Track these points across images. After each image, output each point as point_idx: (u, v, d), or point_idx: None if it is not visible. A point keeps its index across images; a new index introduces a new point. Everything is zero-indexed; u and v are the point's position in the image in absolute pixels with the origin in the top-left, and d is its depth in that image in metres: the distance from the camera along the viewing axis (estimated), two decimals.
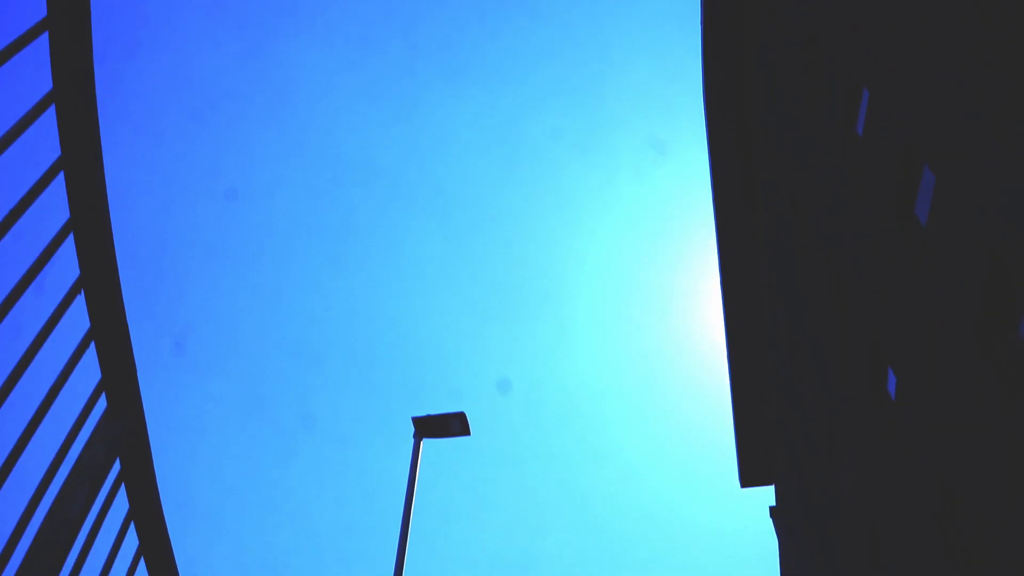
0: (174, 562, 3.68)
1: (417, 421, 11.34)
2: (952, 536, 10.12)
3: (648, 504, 78.30)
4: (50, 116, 3.53)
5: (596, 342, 70.69)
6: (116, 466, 3.52)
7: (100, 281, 3.25)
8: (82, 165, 3.11)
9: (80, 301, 3.77)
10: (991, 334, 8.37)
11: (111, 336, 3.26)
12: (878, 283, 11.58)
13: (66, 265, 3.72)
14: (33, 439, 3.49)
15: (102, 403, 3.69)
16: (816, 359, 16.60)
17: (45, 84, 3.20)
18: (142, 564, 3.67)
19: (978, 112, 7.82)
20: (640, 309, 70.43)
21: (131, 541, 3.64)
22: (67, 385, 3.51)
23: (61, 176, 3.63)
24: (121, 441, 3.33)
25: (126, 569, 3.65)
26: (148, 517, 3.51)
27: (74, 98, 3.04)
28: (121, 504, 3.60)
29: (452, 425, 10.67)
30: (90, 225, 3.17)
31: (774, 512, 25.21)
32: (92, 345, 3.42)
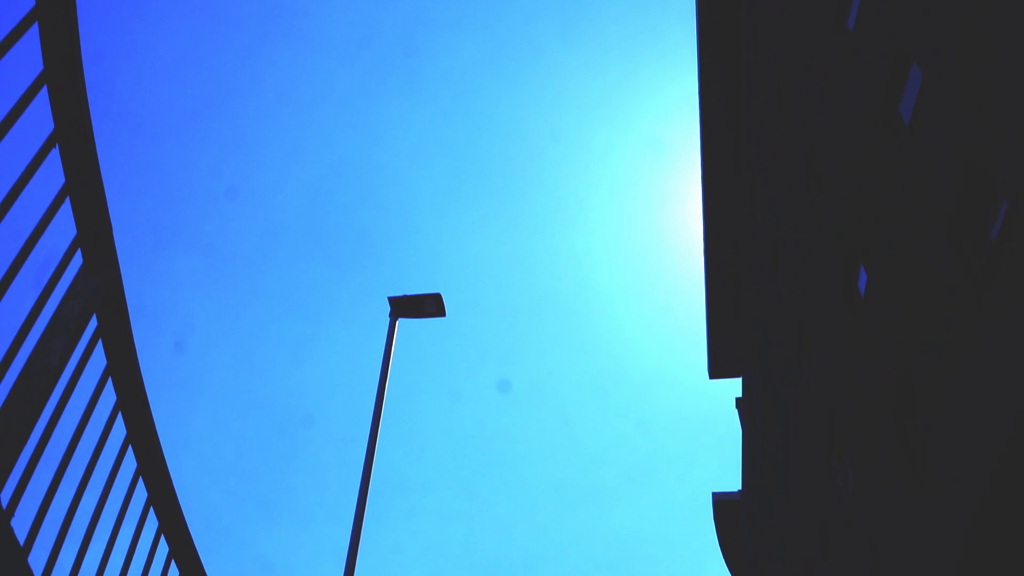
0: (151, 417, 3.76)
1: (393, 301, 11.42)
2: (910, 430, 10.46)
3: (621, 396, 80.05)
4: None
5: (585, 234, 70.80)
6: (93, 322, 3.56)
7: (75, 136, 3.21)
8: (57, 13, 3.04)
9: (55, 156, 3.73)
10: (964, 235, 8.47)
11: (86, 192, 3.24)
12: (857, 182, 11.62)
13: (41, 120, 3.66)
14: (9, 295, 3.50)
15: (78, 260, 3.70)
16: (791, 256, 16.78)
17: None
18: (120, 419, 3.75)
19: (971, 12, 7.71)
20: (627, 205, 70.35)
21: (108, 396, 3.71)
22: (43, 241, 3.51)
23: (35, 28, 3.54)
24: (98, 297, 3.35)
25: (104, 423, 3.73)
26: (125, 373, 3.56)
27: None
28: (99, 360, 3.65)
29: (427, 305, 10.75)
30: (64, 78, 3.11)
31: (740, 403, 25.89)
32: (67, 201, 3.41)
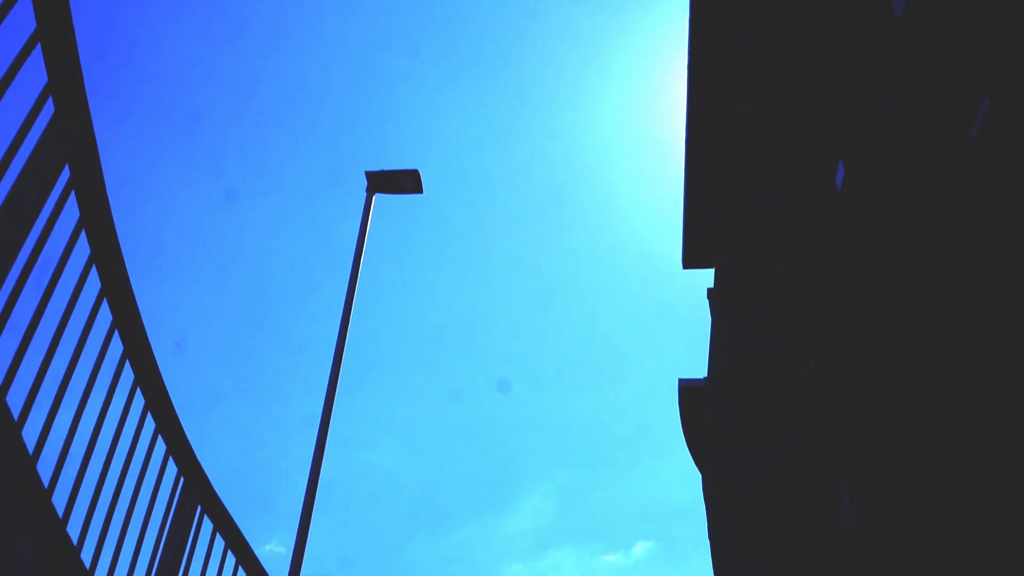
0: (125, 270, 3.77)
1: (370, 175, 11.33)
2: (875, 334, 10.70)
3: (595, 280, 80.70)
4: None
5: (564, 115, 69.96)
6: (66, 173, 3.53)
7: None
8: None
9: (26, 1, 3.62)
10: (944, 131, 8.49)
11: (57, 37, 3.16)
12: (844, 75, 11.52)
13: None
14: None
15: (49, 110, 3.64)
16: (772, 149, 16.73)
17: None
18: (94, 271, 3.77)
19: None
20: (611, 88, 69.29)
21: (82, 249, 3.71)
22: (13, 90, 3.45)
23: None
24: (70, 147, 3.31)
25: (78, 275, 3.75)
26: (99, 225, 3.56)
27: None
28: (71, 212, 3.64)
29: (404, 181, 10.69)
30: None
31: (711, 294, 26.24)
32: (38, 48, 3.32)
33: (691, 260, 24.98)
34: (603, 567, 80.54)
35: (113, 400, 4.08)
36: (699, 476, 33.73)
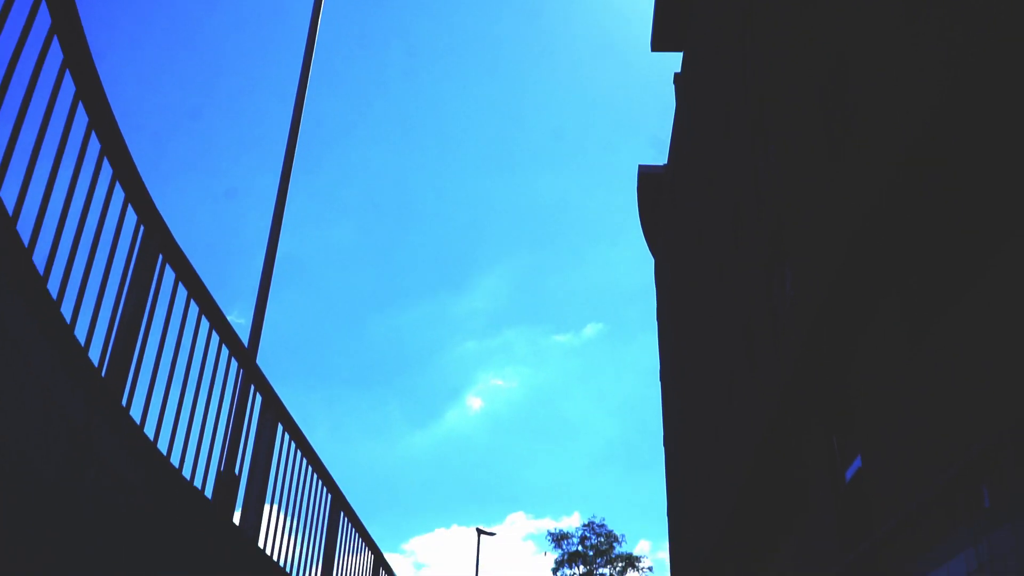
0: (75, 8, 3.69)
1: None
2: (836, 120, 10.77)
3: (559, 63, 78.75)
4: None
5: None
6: None
7: None
8: None
9: None
10: None
11: None
12: None
13: None
14: None
15: None
16: None
17: None
18: (44, 8, 3.67)
19: None
20: None
21: (44, 19, 3.60)
22: None
23: None
24: None
25: (27, 10, 3.67)
26: None
27: None
28: None
29: None
30: None
31: (678, 79, 25.90)
32: None
33: (660, 41, 24.44)
34: (554, 346, 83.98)
35: (68, 142, 4.09)
36: (651, 262, 34.71)
